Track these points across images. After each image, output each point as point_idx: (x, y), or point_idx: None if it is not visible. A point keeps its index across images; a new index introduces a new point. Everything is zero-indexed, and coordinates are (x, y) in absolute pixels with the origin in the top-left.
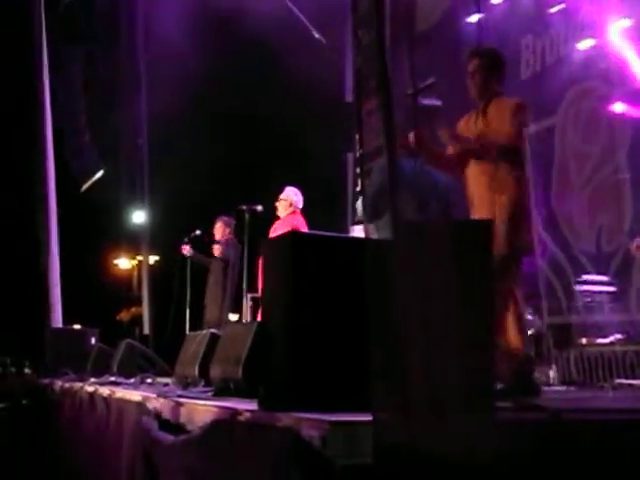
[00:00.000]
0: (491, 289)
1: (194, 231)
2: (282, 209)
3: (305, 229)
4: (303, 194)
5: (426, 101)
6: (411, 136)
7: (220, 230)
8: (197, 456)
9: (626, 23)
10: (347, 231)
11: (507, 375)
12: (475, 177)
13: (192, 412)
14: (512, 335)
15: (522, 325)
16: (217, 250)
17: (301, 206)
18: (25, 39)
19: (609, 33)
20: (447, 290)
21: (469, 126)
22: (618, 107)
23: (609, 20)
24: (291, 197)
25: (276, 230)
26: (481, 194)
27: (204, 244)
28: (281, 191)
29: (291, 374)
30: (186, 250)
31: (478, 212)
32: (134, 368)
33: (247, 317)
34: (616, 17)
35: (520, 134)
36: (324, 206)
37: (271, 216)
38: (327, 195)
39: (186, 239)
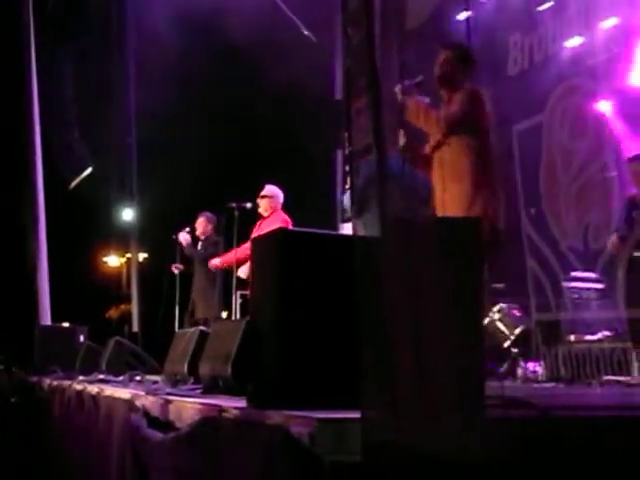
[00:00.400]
0: (481, 287)
1: (183, 229)
2: (266, 206)
3: (290, 226)
4: (292, 192)
5: (415, 98)
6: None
7: (202, 225)
8: (186, 454)
9: (614, 21)
10: (336, 229)
11: None
12: (435, 170)
13: (181, 410)
14: None
15: None
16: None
17: (281, 202)
18: (12, 35)
19: (597, 31)
20: (437, 288)
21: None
22: (605, 105)
23: (597, 18)
24: (276, 194)
25: (262, 228)
26: (437, 184)
27: (192, 242)
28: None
29: (280, 372)
30: (184, 239)
31: (432, 202)
32: (123, 366)
33: (236, 315)
34: (604, 15)
35: (464, 112)
36: (313, 204)
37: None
38: (316, 193)
39: (175, 236)
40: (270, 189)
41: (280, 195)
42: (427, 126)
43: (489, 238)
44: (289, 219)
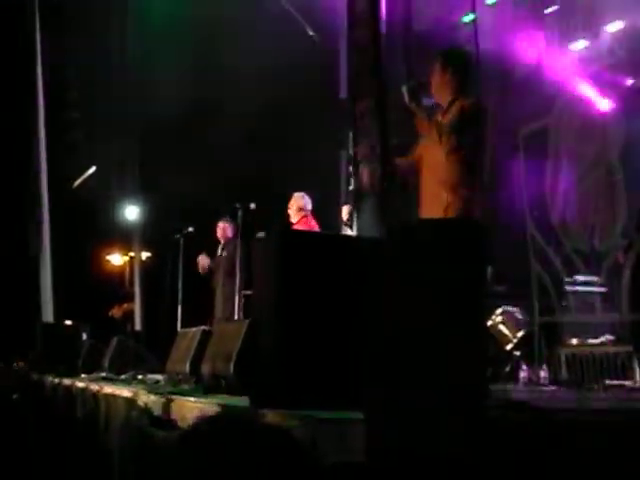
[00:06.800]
0: (484, 289)
1: (187, 228)
2: (293, 215)
3: (316, 230)
4: (296, 192)
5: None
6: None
7: (223, 230)
8: (187, 452)
9: (619, 25)
10: (340, 229)
11: None
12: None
13: (183, 409)
14: None
15: None
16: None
17: (310, 208)
18: (18, 35)
19: (602, 34)
20: (439, 290)
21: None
22: (611, 108)
23: (602, 22)
24: (298, 202)
25: None
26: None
27: (196, 241)
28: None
29: (282, 372)
30: (204, 263)
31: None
32: (125, 364)
33: (239, 315)
34: (609, 19)
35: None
36: (317, 204)
37: (266, 214)
38: (320, 193)
39: (178, 235)
40: (294, 198)
41: (304, 201)
42: (427, 132)
43: None
44: (313, 225)
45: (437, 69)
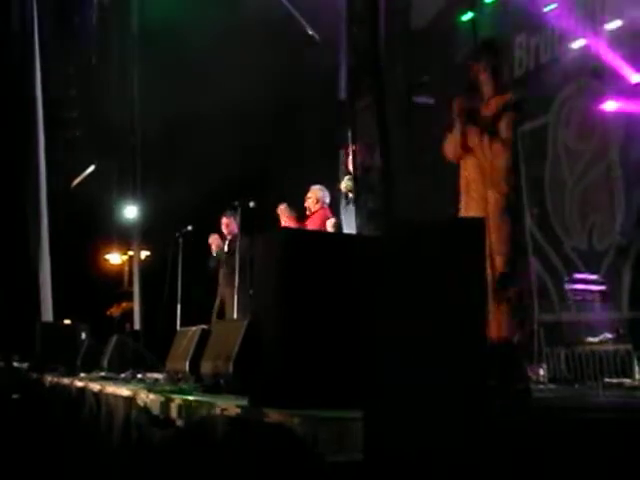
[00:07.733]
0: (484, 287)
1: (186, 226)
2: (311, 206)
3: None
4: (295, 190)
5: (419, 99)
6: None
7: (229, 225)
8: (187, 451)
9: (617, 23)
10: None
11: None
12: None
13: (182, 408)
14: (504, 328)
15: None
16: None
17: (328, 200)
18: (16, 34)
19: (602, 32)
20: (440, 288)
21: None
22: (611, 105)
23: (602, 20)
24: (317, 193)
25: (306, 226)
26: (475, 187)
27: (195, 240)
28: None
29: (282, 371)
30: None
31: (469, 205)
32: (124, 363)
33: (237, 313)
34: (609, 17)
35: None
36: None
37: (265, 213)
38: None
39: (177, 234)
40: (312, 189)
41: (322, 194)
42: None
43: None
44: (334, 217)
45: (475, 74)
